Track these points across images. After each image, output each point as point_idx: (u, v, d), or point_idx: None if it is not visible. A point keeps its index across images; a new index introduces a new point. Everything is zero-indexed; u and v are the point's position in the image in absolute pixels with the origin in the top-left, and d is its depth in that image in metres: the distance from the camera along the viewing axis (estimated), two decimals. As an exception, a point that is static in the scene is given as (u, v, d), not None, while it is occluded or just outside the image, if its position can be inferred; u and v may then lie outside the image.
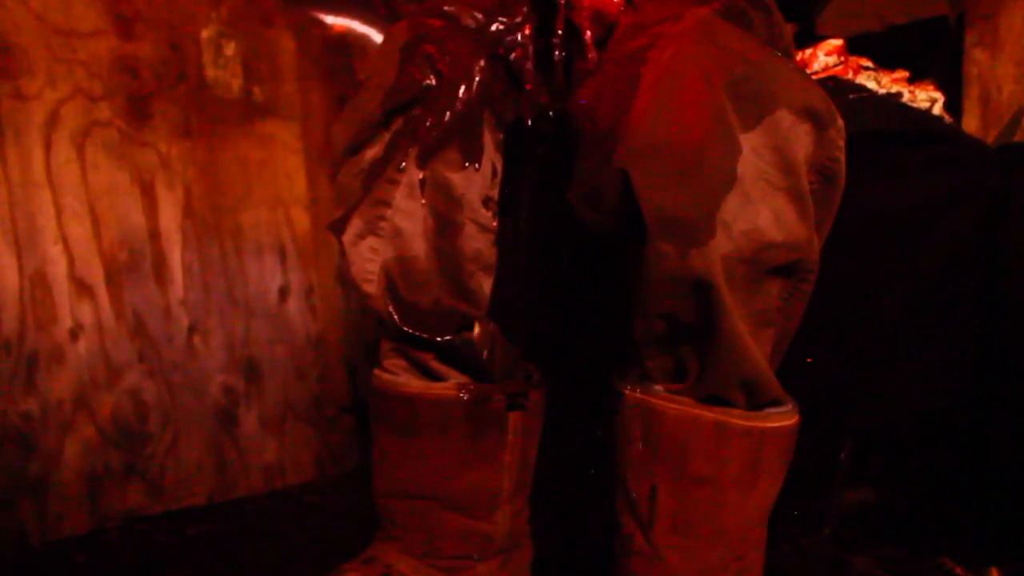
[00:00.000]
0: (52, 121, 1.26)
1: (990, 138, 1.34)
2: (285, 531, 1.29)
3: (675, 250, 0.72)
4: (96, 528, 1.31)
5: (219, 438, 1.43)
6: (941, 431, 1.18)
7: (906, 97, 1.11)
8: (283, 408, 1.49)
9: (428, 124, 0.84)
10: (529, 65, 0.90)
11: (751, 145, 0.73)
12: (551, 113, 0.91)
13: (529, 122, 0.90)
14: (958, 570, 1.10)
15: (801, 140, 0.75)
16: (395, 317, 0.86)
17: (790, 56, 0.90)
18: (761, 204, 0.73)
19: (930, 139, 1.07)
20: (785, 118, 0.74)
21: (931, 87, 1.13)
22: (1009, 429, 1.13)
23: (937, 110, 1.13)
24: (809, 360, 0.92)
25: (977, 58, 1.41)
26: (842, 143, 0.77)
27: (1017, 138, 1.38)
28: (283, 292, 1.49)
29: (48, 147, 1.26)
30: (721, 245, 0.73)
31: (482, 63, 0.85)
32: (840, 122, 0.76)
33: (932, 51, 1.27)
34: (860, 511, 1.24)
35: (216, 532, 1.30)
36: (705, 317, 0.75)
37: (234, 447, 1.44)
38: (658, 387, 0.80)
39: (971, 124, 1.38)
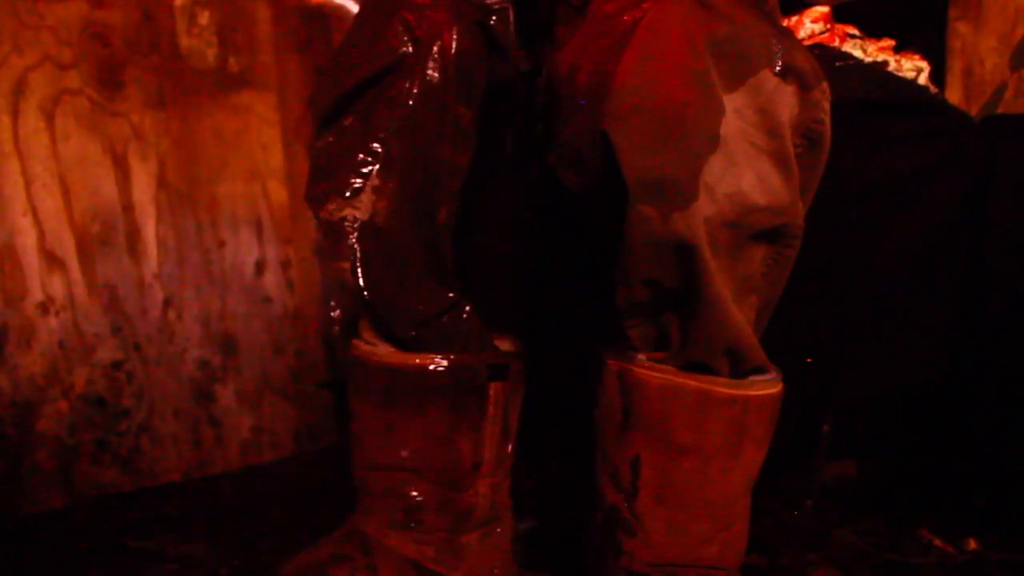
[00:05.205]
0: (20, 89, 1.23)
1: (973, 111, 1.34)
2: (262, 507, 1.28)
3: (657, 213, 0.70)
4: (70, 505, 1.28)
5: (195, 414, 1.41)
6: (922, 404, 1.18)
7: (892, 66, 1.10)
8: (260, 383, 1.47)
9: (405, 93, 0.82)
10: (510, 30, 0.88)
11: (734, 106, 0.72)
12: (532, 78, 0.89)
13: (510, 88, 0.88)
14: (937, 541, 1.11)
15: (786, 101, 0.73)
16: (371, 293, 0.84)
17: (775, 20, 0.88)
18: (745, 167, 0.72)
19: (916, 109, 1.06)
20: (769, 79, 0.73)
21: (917, 57, 1.12)
22: (990, 402, 1.13)
23: (923, 80, 1.12)
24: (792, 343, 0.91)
25: (960, 31, 1.40)
26: (827, 105, 0.75)
27: (999, 111, 1.38)
28: (260, 266, 1.46)
29: (16, 115, 1.23)
30: (704, 208, 0.71)
31: (460, 29, 0.83)
32: (825, 83, 0.75)
33: (918, 20, 1.26)
34: (842, 484, 1.24)
35: (192, 509, 1.28)
36: (688, 282, 0.73)
37: (210, 423, 1.42)
38: (641, 356, 0.79)
39: (954, 97, 1.37)
